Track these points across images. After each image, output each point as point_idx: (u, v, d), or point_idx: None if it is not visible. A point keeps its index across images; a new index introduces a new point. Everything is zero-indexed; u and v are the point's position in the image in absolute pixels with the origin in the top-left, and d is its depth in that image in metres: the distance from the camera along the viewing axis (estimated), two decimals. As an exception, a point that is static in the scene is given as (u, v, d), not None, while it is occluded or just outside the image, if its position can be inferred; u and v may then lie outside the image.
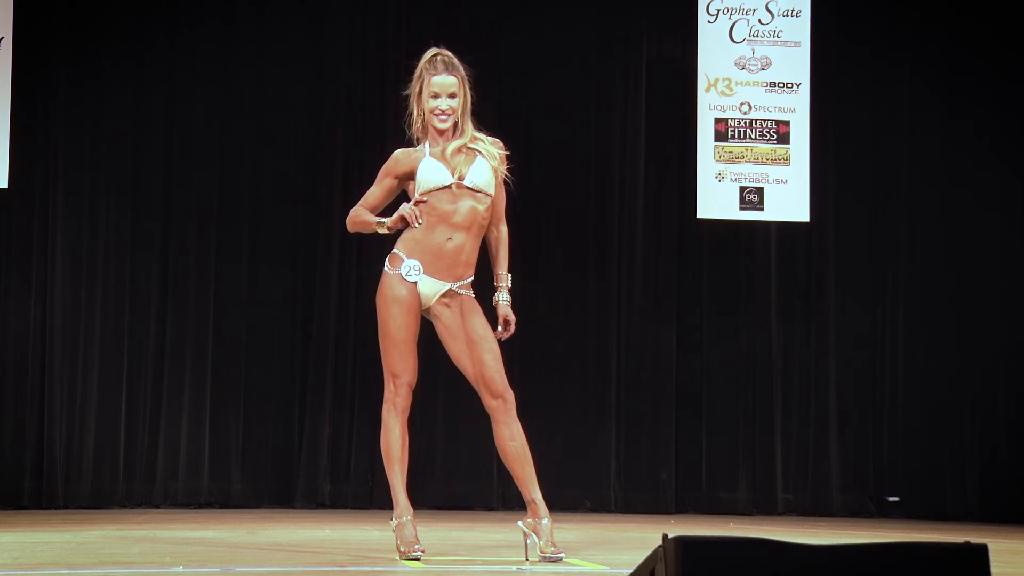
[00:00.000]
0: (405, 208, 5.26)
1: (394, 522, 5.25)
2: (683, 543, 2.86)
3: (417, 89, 5.31)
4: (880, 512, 9.72)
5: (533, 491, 5.23)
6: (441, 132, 5.30)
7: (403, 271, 5.26)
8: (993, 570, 3.00)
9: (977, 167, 10.03)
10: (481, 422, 9.50)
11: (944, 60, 10.09)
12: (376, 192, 5.41)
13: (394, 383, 5.32)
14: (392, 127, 9.64)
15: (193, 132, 9.48)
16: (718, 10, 9.84)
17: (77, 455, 9.08)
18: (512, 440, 5.28)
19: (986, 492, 9.75)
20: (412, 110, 5.35)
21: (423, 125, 5.32)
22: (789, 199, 9.83)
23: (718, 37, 9.86)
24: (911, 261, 10.02)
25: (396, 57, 9.69)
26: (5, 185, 9.08)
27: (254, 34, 9.60)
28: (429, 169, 5.25)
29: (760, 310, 9.92)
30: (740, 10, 9.85)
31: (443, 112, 5.29)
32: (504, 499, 9.47)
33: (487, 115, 9.75)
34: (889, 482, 9.82)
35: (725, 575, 2.88)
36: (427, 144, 5.32)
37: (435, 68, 5.29)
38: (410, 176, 5.32)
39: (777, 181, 9.81)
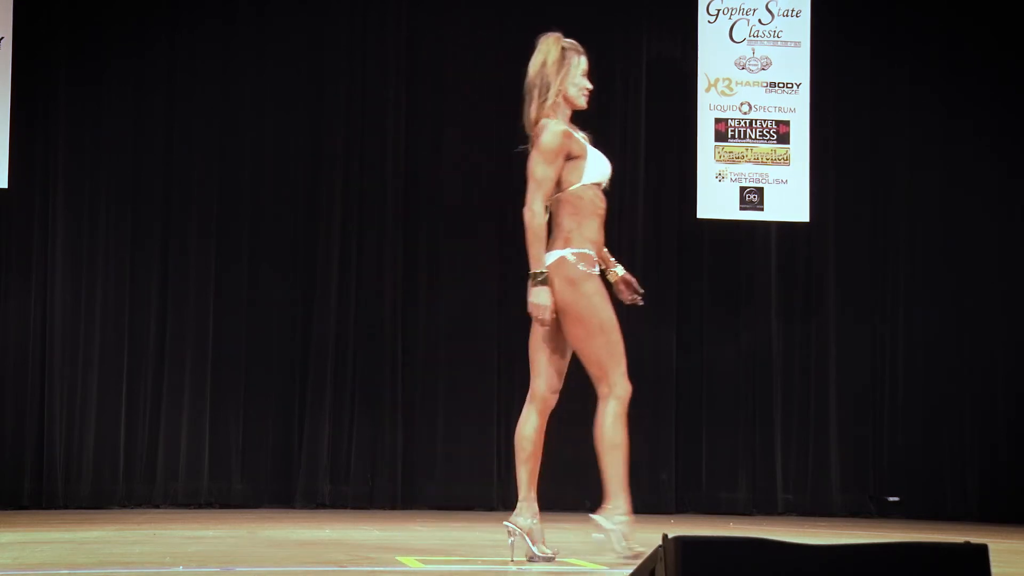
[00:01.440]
0: (546, 316, 4.96)
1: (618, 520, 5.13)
2: (683, 543, 2.86)
3: (564, 66, 5.15)
4: (880, 512, 9.72)
5: (528, 490, 5.17)
6: (575, 112, 5.19)
7: (595, 270, 5.13)
8: (993, 570, 3.00)
9: (977, 167, 10.03)
10: (481, 423, 9.57)
11: (944, 60, 10.09)
12: (552, 176, 5.06)
13: (622, 374, 5.16)
14: (392, 127, 9.69)
15: (193, 132, 9.48)
16: (718, 10, 9.85)
17: (77, 455, 9.08)
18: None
19: (986, 492, 9.75)
20: (547, 87, 5.14)
21: (554, 104, 5.15)
22: (789, 199, 9.83)
23: (718, 37, 9.86)
24: (911, 261, 10.02)
25: (396, 57, 9.70)
26: (5, 185, 9.09)
27: (254, 34, 9.60)
28: (600, 163, 5.16)
29: (760, 310, 9.92)
30: (740, 10, 9.86)
31: (589, 91, 5.21)
32: (504, 499, 9.47)
33: (487, 114, 9.82)
34: (889, 482, 9.82)
35: (725, 575, 2.87)
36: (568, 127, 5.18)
37: (578, 49, 5.21)
38: (571, 156, 5.15)
39: (777, 181, 9.81)
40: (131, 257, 9.35)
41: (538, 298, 4.91)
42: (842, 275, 10.01)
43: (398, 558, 5.21)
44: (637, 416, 9.67)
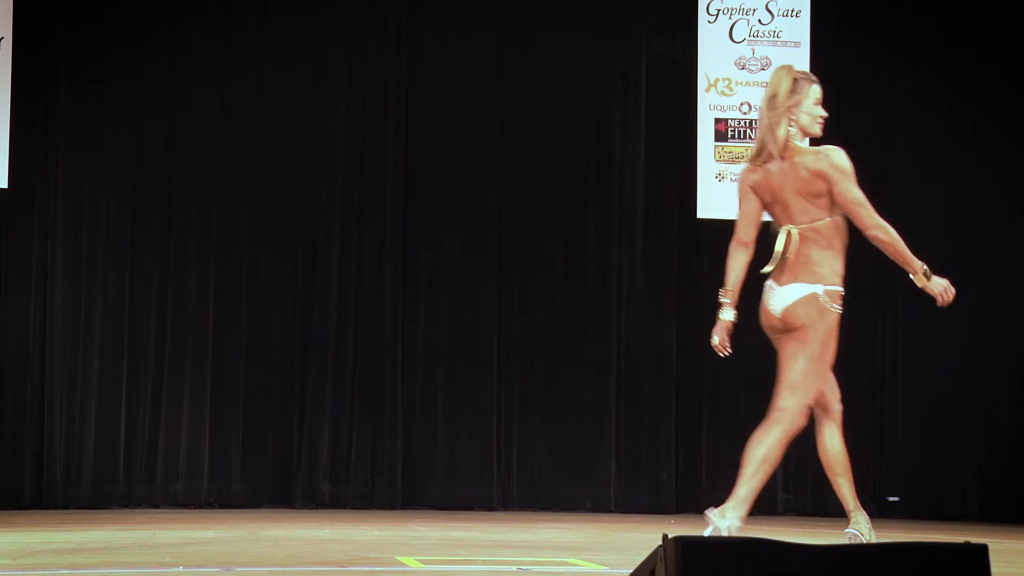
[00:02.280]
0: (941, 285, 5.07)
1: None
2: (683, 543, 2.86)
3: (796, 96, 5.08)
4: (880, 512, 9.71)
5: (855, 499, 5.25)
6: (809, 139, 5.20)
7: (840, 308, 5.20)
8: (993, 570, 3.00)
9: (977, 167, 10.03)
10: (481, 422, 9.57)
11: (944, 60, 10.09)
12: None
13: (806, 407, 5.29)
14: (392, 127, 9.69)
15: (193, 132, 9.48)
16: (718, 10, 9.84)
17: (77, 455, 9.08)
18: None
19: (986, 492, 9.74)
20: (779, 118, 5.06)
21: (789, 134, 5.07)
22: (789, 199, 9.82)
23: (718, 37, 9.86)
24: (911, 261, 10.00)
25: (396, 57, 9.70)
26: (5, 185, 9.09)
27: (254, 34, 9.60)
28: None
29: (760, 310, 9.90)
30: (740, 10, 9.85)
31: (823, 119, 5.17)
32: (504, 499, 9.49)
33: (488, 114, 9.82)
34: (889, 482, 9.81)
35: (725, 575, 2.88)
36: None
37: (811, 78, 5.19)
38: None
39: (777, 181, 9.80)
40: (131, 257, 9.34)
41: (940, 283, 5.06)
42: (842, 275, 9.99)
43: (398, 558, 5.21)
44: (637, 416, 9.73)
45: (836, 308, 5.16)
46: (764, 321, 5.22)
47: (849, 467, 5.35)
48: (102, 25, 9.38)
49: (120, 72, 9.39)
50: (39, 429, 9.06)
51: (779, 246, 5.11)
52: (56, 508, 8.90)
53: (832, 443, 5.29)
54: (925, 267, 5.06)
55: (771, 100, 5.09)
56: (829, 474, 5.31)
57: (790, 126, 5.08)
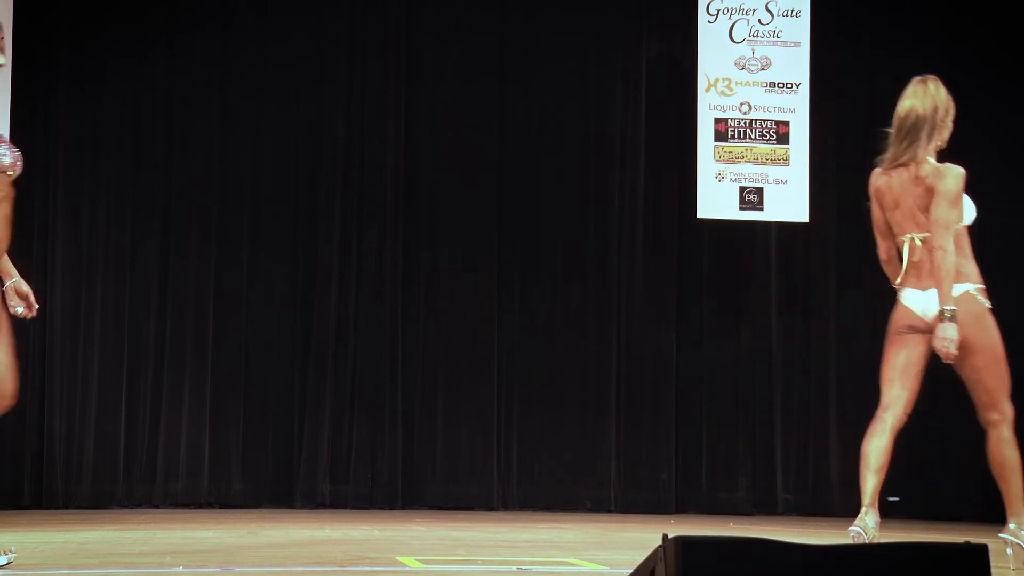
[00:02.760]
0: (954, 350, 5.17)
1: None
2: (683, 543, 2.86)
3: (950, 112, 5.40)
4: (880, 512, 9.71)
5: (873, 498, 5.36)
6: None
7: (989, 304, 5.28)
8: (993, 570, 3.00)
9: (977, 167, 9.99)
10: (481, 423, 9.57)
11: (944, 60, 10.08)
12: (956, 218, 5.28)
13: (1008, 400, 5.32)
14: (392, 128, 9.69)
15: (193, 132, 9.48)
16: (718, 10, 9.85)
17: (77, 455, 9.08)
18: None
19: (986, 492, 9.72)
20: (934, 130, 5.38)
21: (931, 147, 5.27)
22: (789, 199, 9.83)
23: (718, 37, 9.86)
24: (911, 261, 10.01)
25: (396, 57, 9.70)
26: (5, 185, 9.08)
27: (254, 34, 9.60)
28: (971, 205, 5.32)
29: (760, 310, 9.92)
30: (740, 10, 9.86)
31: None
32: (504, 499, 9.48)
33: (488, 114, 9.82)
34: (889, 482, 9.79)
35: (725, 575, 2.88)
36: None
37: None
38: None
39: (777, 181, 9.81)
40: (131, 257, 9.35)
41: (949, 332, 5.13)
42: (842, 275, 10.00)
43: (398, 558, 5.21)
44: (637, 416, 9.73)
45: (986, 303, 5.28)
46: (902, 322, 5.28)
47: (885, 467, 5.48)
48: (102, 25, 9.38)
49: (120, 72, 9.40)
50: (39, 429, 9.06)
51: (907, 255, 5.25)
52: (56, 508, 8.90)
53: (880, 441, 5.34)
54: (951, 312, 5.10)
55: (933, 113, 5.24)
56: (862, 463, 5.36)
57: (939, 137, 5.35)
